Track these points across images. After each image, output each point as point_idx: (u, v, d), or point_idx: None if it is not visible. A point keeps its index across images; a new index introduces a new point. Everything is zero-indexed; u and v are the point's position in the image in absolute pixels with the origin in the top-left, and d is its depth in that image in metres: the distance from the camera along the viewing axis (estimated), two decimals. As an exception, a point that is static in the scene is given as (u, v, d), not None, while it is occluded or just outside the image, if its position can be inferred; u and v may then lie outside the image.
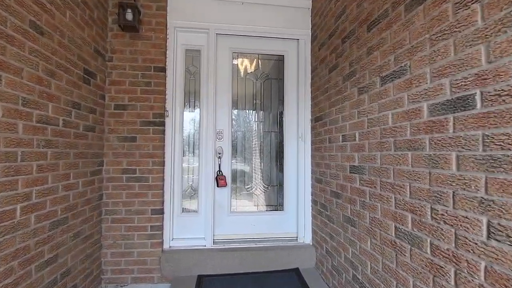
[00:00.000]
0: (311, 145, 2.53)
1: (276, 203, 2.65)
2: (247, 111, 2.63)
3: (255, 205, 2.62)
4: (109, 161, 2.28)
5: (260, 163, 2.64)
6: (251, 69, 2.65)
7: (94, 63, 2.09)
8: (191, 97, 2.56)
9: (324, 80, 2.23)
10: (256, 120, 2.64)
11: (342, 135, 1.89)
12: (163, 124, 2.34)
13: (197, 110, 2.55)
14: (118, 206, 2.28)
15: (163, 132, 2.36)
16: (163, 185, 2.35)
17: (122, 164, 2.29)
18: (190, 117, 2.55)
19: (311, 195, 2.53)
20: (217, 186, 2.45)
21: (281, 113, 2.66)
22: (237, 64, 2.63)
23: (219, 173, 2.49)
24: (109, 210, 2.27)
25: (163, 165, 2.36)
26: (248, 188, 2.62)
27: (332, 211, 2.05)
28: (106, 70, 2.29)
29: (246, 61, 2.64)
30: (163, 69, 2.35)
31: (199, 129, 2.55)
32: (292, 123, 2.64)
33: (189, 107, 2.55)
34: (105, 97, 2.29)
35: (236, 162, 2.61)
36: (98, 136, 2.17)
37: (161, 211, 2.33)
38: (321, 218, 2.28)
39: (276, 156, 2.65)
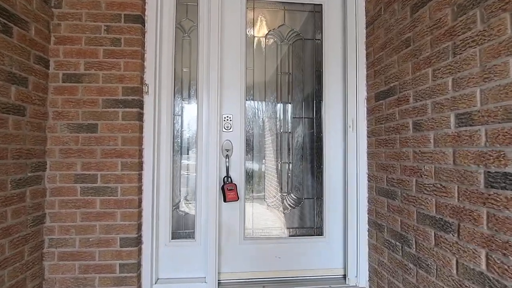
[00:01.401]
0: (368, 137, 1.65)
1: (312, 224, 1.78)
2: (268, 87, 1.77)
3: (280, 228, 1.76)
4: (54, 163, 1.45)
5: (288, 166, 1.77)
6: (273, 25, 1.78)
7: (23, 4, 1.26)
8: (185, 66, 1.71)
9: (400, 28, 1.34)
10: (281, 100, 1.77)
11: (460, 115, 1.00)
12: (139, 105, 1.51)
13: (194, 86, 1.70)
14: (70, 233, 1.45)
15: (140, 117, 1.52)
16: (140, 200, 1.52)
17: (74, 168, 1.46)
18: (185, 96, 1.71)
19: (369, 214, 1.65)
20: (224, 200, 1.59)
21: (319, 91, 1.78)
22: (253, 19, 1.77)
23: (227, 180, 1.64)
24: (55, 240, 1.45)
25: (141, 169, 1.52)
26: (270, 202, 1.76)
27: (423, 250, 1.17)
28: (52, 21, 1.47)
29: (267, 14, 1.78)
30: (140, 19, 1.51)
31: (196, 114, 1.70)
32: (335, 104, 1.76)
33: (182, 80, 1.71)
34: (49, 63, 1.46)
35: (252, 164, 1.75)
36: (34, 123, 1.35)
37: (138, 241, 1.50)
38: (393, 254, 1.40)
39: (311, 154, 1.78)
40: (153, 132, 1.56)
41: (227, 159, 1.63)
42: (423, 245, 1.17)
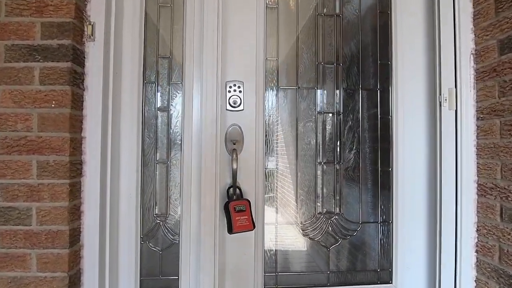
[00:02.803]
0: (480, 118, 0.95)
1: (373, 265, 1.07)
2: (301, 37, 1.07)
3: (321, 271, 1.06)
4: None
5: (335, 169, 1.07)
6: None
7: None
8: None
9: None
10: (323, 60, 1.07)
11: None
12: (75, 56, 0.82)
13: (179, 30, 1.01)
14: None
15: (77, 79, 0.83)
16: (76, 231, 0.83)
17: None
18: (164, 49, 1.02)
19: (481, 253, 0.94)
20: (230, 230, 0.88)
21: (384, 46, 1.08)
22: None
23: (234, 193, 0.93)
24: None
25: (77, 175, 0.84)
26: (305, 229, 1.06)
27: None
28: None
29: None
30: None
31: (181, 79, 1.00)
32: (412, 66, 1.05)
33: (159, 19, 1.02)
34: None
35: (276, 165, 1.05)
36: None
37: (70, 308, 0.81)
38: None
39: (373, 150, 1.08)
40: (103, 108, 0.87)
41: (234, 157, 0.92)
42: None
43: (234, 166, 0.92)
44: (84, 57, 0.87)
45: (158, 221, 1.00)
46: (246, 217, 0.88)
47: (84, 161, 0.86)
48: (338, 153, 1.06)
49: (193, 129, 0.95)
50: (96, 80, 0.87)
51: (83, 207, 0.86)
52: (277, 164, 1.05)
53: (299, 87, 1.05)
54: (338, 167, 1.06)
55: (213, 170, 0.89)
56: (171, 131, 1.01)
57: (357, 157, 1.07)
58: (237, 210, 0.88)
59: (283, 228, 1.05)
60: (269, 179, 1.04)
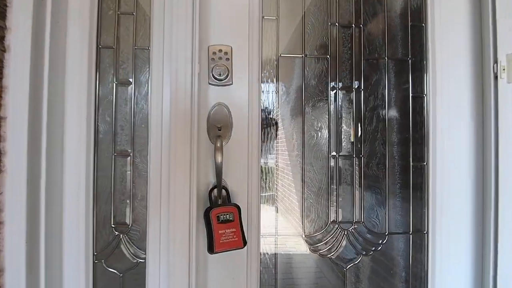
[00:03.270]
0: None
1: (402, 289, 0.83)
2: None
3: (335, 297, 0.81)
4: None
5: (353, 163, 0.82)
6: None
7: None
8: None
9: None
10: (337, 20, 0.82)
11: None
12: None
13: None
14: None
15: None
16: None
17: None
18: None
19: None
20: (210, 249, 0.63)
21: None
22: None
23: (218, 198, 0.68)
24: None
25: (-8, 170, 0.59)
26: (314, 242, 0.81)
27: None
28: None
29: None
30: None
31: (149, 41, 0.75)
32: (451, 24, 0.80)
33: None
34: None
35: (276, 160, 0.80)
36: None
37: None
38: None
39: (401, 137, 0.83)
40: (33, 76, 0.62)
41: (218, 147, 0.67)
42: None
43: (219, 159, 0.66)
44: (6, 5, 0.62)
45: (117, 233, 0.75)
46: (234, 229, 0.63)
47: (3, 151, 0.61)
48: (357, 142, 0.81)
49: (163, 110, 0.70)
50: (22, 37, 0.62)
51: (3, 216, 0.61)
52: (276, 157, 0.80)
53: (306, 56, 0.80)
54: (357, 161, 0.81)
55: (187, 164, 0.63)
56: (135, 113, 0.75)
57: (382, 147, 0.81)
58: (221, 220, 0.63)
59: (285, 242, 0.80)
60: (267, 176, 0.79)
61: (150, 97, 0.72)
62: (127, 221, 0.75)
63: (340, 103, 0.81)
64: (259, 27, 0.75)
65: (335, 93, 0.81)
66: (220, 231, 0.62)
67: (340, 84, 0.81)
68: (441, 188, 0.79)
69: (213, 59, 0.73)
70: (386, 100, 0.81)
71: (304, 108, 0.79)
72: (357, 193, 0.81)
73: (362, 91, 0.81)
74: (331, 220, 0.80)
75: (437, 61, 0.80)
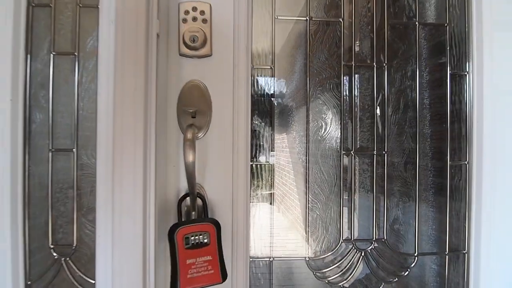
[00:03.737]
0: None
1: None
2: None
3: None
4: None
5: (372, 162, 0.62)
6: None
7: None
8: None
9: None
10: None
11: None
12: None
13: None
14: None
15: None
16: None
17: None
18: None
19: None
20: (174, 285, 0.44)
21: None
22: None
23: (191, 210, 0.49)
24: None
25: None
26: (322, 267, 0.62)
27: None
28: None
29: None
30: None
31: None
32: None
33: None
34: None
35: (272, 157, 0.61)
36: None
37: None
38: None
39: (435, 129, 0.64)
40: None
41: (188, 139, 0.48)
42: None
43: (189, 158, 0.47)
44: None
45: (57, 256, 0.56)
46: (209, 257, 0.44)
47: None
48: (379, 135, 0.62)
49: (110, 85, 0.50)
50: None
51: None
52: (272, 154, 0.60)
53: (310, 19, 0.60)
54: (379, 159, 0.61)
55: (139, 165, 0.44)
56: (80, 95, 0.56)
57: (410, 142, 0.62)
58: (191, 245, 0.44)
59: (283, 266, 0.61)
60: (259, 179, 0.60)
61: (99, 72, 0.52)
62: (71, 240, 0.56)
63: (356, 84, 0.61)
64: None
65: (350, 70, 0.61)
66: (188, 261, 0.43)
67: (357, 57, 0.61)
68: (488, 195, 0.60)
69: (184, 20, 0.54)
70: (417, 78, 0.61)
71: (309, 90, 0.60)
72: (378, 201, 0.62)
73: (385, 68, 0.62)
74: (343, 238, 0.61)
75: (484, 28, 0.60)
